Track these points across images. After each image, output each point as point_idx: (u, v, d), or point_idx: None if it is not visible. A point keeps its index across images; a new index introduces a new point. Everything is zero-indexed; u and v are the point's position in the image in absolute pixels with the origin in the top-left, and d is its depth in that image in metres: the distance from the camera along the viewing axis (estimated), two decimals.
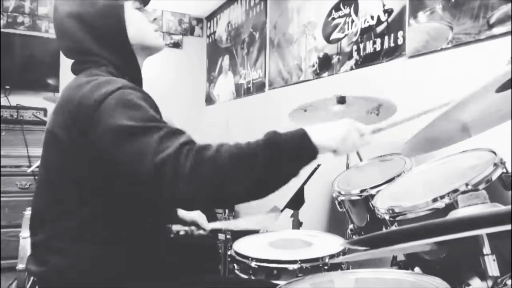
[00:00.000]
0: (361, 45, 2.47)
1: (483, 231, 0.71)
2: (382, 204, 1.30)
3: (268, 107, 3.50)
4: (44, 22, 4.07)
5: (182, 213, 1.46)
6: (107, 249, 1.00)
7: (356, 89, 2.39)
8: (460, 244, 0.83)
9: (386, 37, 2.29)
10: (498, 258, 0.80)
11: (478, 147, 1.31)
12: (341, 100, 1.92)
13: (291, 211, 2.25)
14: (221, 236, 1.88)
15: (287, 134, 0.89)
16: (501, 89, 0.92)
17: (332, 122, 0.96)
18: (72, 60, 1.14)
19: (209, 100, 4.78)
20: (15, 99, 3.77)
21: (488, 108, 1.02)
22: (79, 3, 1.07)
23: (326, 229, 2.76)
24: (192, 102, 4.83)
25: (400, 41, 2.20)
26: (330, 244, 1.55)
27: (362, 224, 1.69)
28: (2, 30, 3.81)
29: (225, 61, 4.39)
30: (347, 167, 2.10)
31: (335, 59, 2.70)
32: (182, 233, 1.42)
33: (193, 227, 1.43)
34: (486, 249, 0.79)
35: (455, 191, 1.06)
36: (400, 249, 1.03)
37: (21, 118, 3.54)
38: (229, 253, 1.62)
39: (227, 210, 2.19)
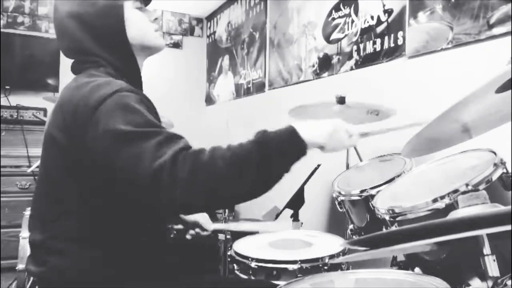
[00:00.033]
0: (361, 45, 2.47)
1: (483, 232, 0.71)
2: (382, 204, 1.30)
3: (268, 107, 3.50)
4: (44, 22, 4.07)
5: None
6: (106, 249, 1.00)
7: (356, 89, 2.40)
8: (460, 245, 0.83)
9: (386, 37, 2.29)
10: (498, 258, 0.80)
11: (478, 147, 1.31)
12: (341, 101, 1.92)
13: (291, 211, 2.24)
14: (221, 236, 1.88)
15: (276, 132, 0.91)
16: (501, 89, 0.92)
17: (321, 120, 0.98)
18: (72, 60, 1.14)
19: (209, 100, 4.78)
20: (15, 99, 3.77)
21: (488, 109, 1.02)
22: (79, 3, 1.07)
23: (326, 229, 2.76)
24: (192, 102, 4.83)
25: (400, 41, 2.20)
26: (330, 244, 1.55)
27: (362, 224, 1.69)
28: (2, 30, 3.81)
29: (225, 61, 4.39)
30: (347, 167, 2.10)
31: (335, 59, 2.70)
32: (188, 237, 1.41)
33: (197, 229, 1.42)
34: (486, 250, 0.79)
35: (455, 191, 1.06)
36: (400, 250, 1.03)
37: (21, 118, 3.54)
38: (229, 253, 1.62)
39: (227, 211, 2.19)
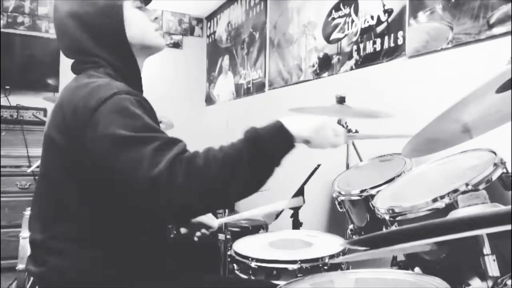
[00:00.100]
0: (361, 45, 2.47)
1: (483, 231, 0.71)
2: (382, 204, 1.30)
3: (268, 107, 3.50)
4: (44, 22, 4.07)
5: None
6: (106, 249, 1.00)
7: (356, 89, 2.40)
8: (460, 244, 0.83)
9: (386, 37, 2.29)
10: (498, 258, 0.80)
11: (478, 147, 1.31)
12: (341, 101, 1.92)
13: (291, 211, 2.25)
14: (221, 236, 1.88)
15: (265, 128, 0.93)
16: (501, 89, 0.92)
17: (308, 116, 1.01)
18: (72, 60, 1.14)
19: (209, 100, 4.78)
20: (15, 99, 3.77)
21: (488, 109, 1.02)
22: (79, 3, 1.07)
23: (326, 229, 2.76)
24: (192, 102, 4.83)
25: (400, 41, 2.20)
26: (330, 244, 1.55)
27: (362, 224, 1.69)
28: (2, 30, 3.81)
29: (225, 61, 4.39)
30: (347, 167, 2.10)
31: (335, 59, 2.70)
32: (196, 238, 1.41)
33: (203, 230, 1.42)
34: (486, 249, 0.79)
35: (455, 191, 1.06)
36: (400, 249, 1.03)
37: (21, 118, 3.54)
38: (229, 253, 1.62)
39: (227, 211, 2.19)
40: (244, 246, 1.57)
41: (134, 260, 1.04)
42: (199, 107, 4.87)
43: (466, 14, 1.84)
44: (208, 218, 1.43)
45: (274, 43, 3.44)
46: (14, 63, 3.78)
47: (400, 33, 2.20)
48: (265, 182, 0.91)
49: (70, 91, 1.01)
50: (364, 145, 2.07)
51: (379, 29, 2.34)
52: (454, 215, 0.93)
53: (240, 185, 0.88)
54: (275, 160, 0.91)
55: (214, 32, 4.67)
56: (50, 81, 3.90)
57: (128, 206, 0.99)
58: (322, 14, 2.82)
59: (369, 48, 2.41)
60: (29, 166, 3.22)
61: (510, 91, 0.92)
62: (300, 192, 2.27)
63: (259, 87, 3.66)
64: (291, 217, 2.25)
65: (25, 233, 2.01)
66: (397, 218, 1.19)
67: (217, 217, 1.50)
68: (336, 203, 1.77)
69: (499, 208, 0.84)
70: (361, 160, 2.03)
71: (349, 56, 2.57)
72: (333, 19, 2.72)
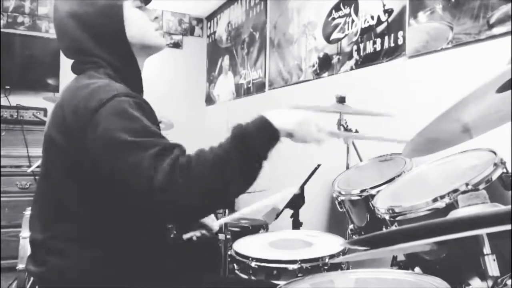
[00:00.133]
0: (361, 45, 2.47)
1: (483, 231, 0.71)
2: (382, 204, 1.30)
3: (268, 107, 3.49)
4: (44, 22, 4.07)
5: None
6: (106, 249, 1.00)
7: (356, 89, 2.40)
8: (460, 244, 0.83)
9: (386, 37, 2.29)
10: (498, 258, 0.80)
11: (478, 147, 1.31)
12: (341, 100, 1.92)
13: (291, 211, 2.25)
14: (221, 236, 1.88)
15: (249, 124, 0.95)
16: (502, 89, 0.92)
17: (292, 110, 1.02)
18: (73, 60, 1.14)
19: (209, 100, 4.78)
20: (15, 99, 3.77)
21: (488, 109, 1.02)
22: (79, 3, 1.07)
23: (326, 229, 2.76)
24: (192, 102, 4.83)
25: (400, 41, 2.20)
26: (330, 244, 1.55)
27: (362, 224, 1.69)
28: (2, 30, 3.81)
29: (225, 61, 4.39)
30: (347, 167, 2.10)
31: (335, 59, 2.70)
32: (194, 238, 1.42)
33: (203, 231, 1.42)
34: (486, 249, 0.79)
35: (455, 191, 1.06)
36: (400, 249, 1.03)
37: (21, 118, 3.54)
38: (229, 253, 1.62)
39: (227, 211, 2.19)
40: (244, 246, 1.57)
41: (134, 260, 1.04)
42: (199, 107, 4.87)
43: (466, 14, 1.84)
44: (209, 219, 1.43)
45: (274, 43, 3.44)
46: (14, 63, 3.78)
47: (400, 33, 2.20)
48: (257, 177, 0.93)
49: (71, 91, 1.01)
50: (364, 145, 2.07)
51: (379, 29, 2.34)
52: (454, 215, 0.93)
53: (234, 183, 0.91)
54: (262, 155, 0.94)
55: (214, 32, 4.67)
56: (50, 81, 3.90)
57: (128, 206, 0.99)
58: (322, 14, 2.82)
59: (369, 48, 2.41)
60: (29, 166, 3.23)
61: (510, 91, 0.92)
62: (300, 192, 2.27)
63: (259, 87, 3.66)
64: (291, 217, 2.25)
65: (25, 233, 2.01)
66: (397, 218, 1.19)
67: (217, 218, 1.50)
68: (336, 203, 1.77)
69: (499, 208, 0.84)
70: (361, 160, 2.03)
71: (349, 56, 2.57)
72: (333, 19, 2.72)
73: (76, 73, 1.10)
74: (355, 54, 2.52)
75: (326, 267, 1.38)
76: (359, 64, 2.49)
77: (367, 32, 2.43)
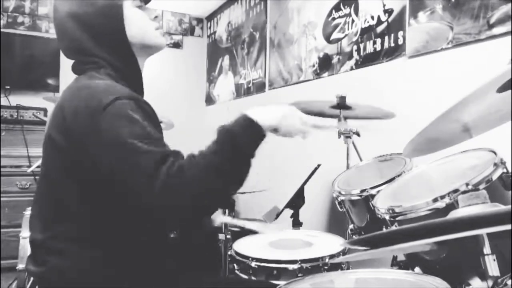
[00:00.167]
0: (361, 45, 2.47)
1: (483, 231, 0.71)
2: (382, 204, 1.29)
3: None
4: (44, 22, 4.07)
5: None
6: (106, 249, 1.00)
7: (356, 89, 2.40)
8: (460, 244, 0.83)
9: (386, 37, 2.29)
10: (499, 258, 0.80)
11: (478, 147, 1.30)
12: (342, 101, 1.92)
13: (291, 211, 2.24)
14: (221, 236, 1.88)
15: (234, 125, 0.96)
16: (502, 89, 0.92)
17: (273, 105, 1.04)
18: (73, 61, 1.14)
19: (209, 100, 4.78)
20: (15, 99, 3.77)
21: (488, 109, 1.02)
22: (78, 3, 1.07)
23: (326, 229, 2.76)
24: (192, 102, 4.83)
25: (400, 41, 2.20)
26: (330, 244, 1.55)
27: (362, 224, 1.69)
28: (2, 30, 3.81)
29: (225, 61, 4.39)
30: (347, 167, 2.10)
31: (335, 59, 2.70)
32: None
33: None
34: (487, 249, 0.79)
35: (456, 191, 1.06)
36: (400, 249, 1.03)
37: (21, 118, 3.54)
38: (229, 253, 1.62)
39: (227, 210, 2.19)
40: (244, 246, 1.57)
41: (134, 260, 1.03)
42: (199, 107, 4.87)
43: (466, 14, 1.84)
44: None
45: (274, 43, 3.44)
46: (14, 63, 3.78)
47: (400, 33, 2.20)
48: (247, 175, 0.96)
49: (71, 92, 1.01)
50: (364, 145, 2.07)
51: (379, 29, 2.34)
52: (454, 215, 0.93)
53: (225, 183, 0.93)
54: (250, 153, 0.96)
55: (214, 32, 4.67)
56: (50, 81, 3.90)
57: (128, 206, 0.99)
58: (322, 14, 2.82)
59: (369, 48, 2.41)
60: (29, 166, 3.22)
61: (510, 90, 0.92)
62: (300, 192, 2.27)
63: (259, 87, 3.66)
64: (291, 217, 2.24)
65: (25, 233, 2.01)
66: (397, 218, 1.19)
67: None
68: (336, 203, 1.77)
69: (499, 208, 0.84)
70: (361, 160, 2.03)
71: (349, 56, 2.57)
72: (333, 19, 2.72)
73: (77, 74, 1.10)
74: (355, 54, 2.52)
75: (326, 267, 1.38)
76: (359, 64, 2.49)
77: (367, 32, 2.43)
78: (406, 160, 1.67)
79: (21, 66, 3.81)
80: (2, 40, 3.68)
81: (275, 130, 1.01)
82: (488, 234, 0.79)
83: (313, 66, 2.91)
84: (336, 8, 2.70)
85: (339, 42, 2.66)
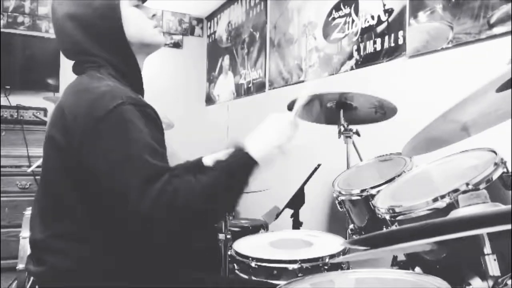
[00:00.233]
0: (362, 45, 2.47)
1: (483, 231, 0.71)
2: (382, 204, 1.29)
3: (268, 107, 3.50)
4: (44, 22, 4.07)
5: None
6: (106, 249, 1.00)
7: (356, 89, 2.39)
8: (460, 244, 0.83)
9: (387, 37, 2.29)
10: (499, 257, 0.80)
11: (479, 146, 1.30)
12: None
13: (291, 211, 2.25)
14: (221, 236, 1.88)
15: (232, 160, 0.98)
16: (502, 89, 0.92)
17: (264, 125, 1.04)
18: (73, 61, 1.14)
19: (209, 100, 4.78)
20: (15, 99, 3.77)
21: (488, 107, 1.02)
22: (76, 4, 1.07)
23: (326, 229, 2.76)
24: (192, 102, 4.83)
25: (400, 41, 2.19)
26: (331, 244, 1.55)
27: (362, 224, 1.69)
28: (2, 30, 3.81)
29: (225, 61, 4.39)
30: (347, 167, 2.10)
31: (335, 59, 2.70)
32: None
33: None
34: (487, 249, 0.79)
35: (456, 190, 1.06)
36: (400, 249, 1.02)
37: (21, 118, 3.54)
38: (229, 253, 1.62)
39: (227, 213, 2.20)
40: (244, 246, 1.57)
41: (134, 259, 1.03)
42: (199, 107, 4.87)
43: (466, 13, 1.84)
44: None
45: (274, 43, 3.44)
46: (14, 63, 3.78)
47: (400, 33, 2.19)
48: (239, 202, 1.00)
49: (72, 93, 1.01)
50: (364, 145, 2.07)
51: (379, 29, 2.34)
52: (454, 214, 0.93)
53: (218, 211, 0.99)
54: (246, 186, 0.98)
55: (214, 32, 4.67)
56: (50, 81, 3.90)
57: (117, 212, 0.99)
58: (323, 14, 2.82)
59: (370, 48, 2.41)
60: (29, 166, 3.23)
61: (509, 90, 0.92)
62: (300, 192, 2.27)
63: (259, 87, 3.66)
64: (291, 217, 2.25)
65: (25, 233, 2.01)
66: (398, 218, 1.19)
67: None
68: (337, 203, 1.77)
69: (500, 207, 0.84)
70: (361, 160, 2.02)
71: (350, 56, 2.56)
72: (334, 19, 2.72)
73: (77, 74, 1.11)
74: (355, 54, 2.52)
75: (326, 267, 1.38)
76: (359, 64, 2.49)
77: (367, 32, 2.43)
78: (406, 160, 1.67)
79: (21, 66, 3.81)
80: (2, 40, 3.68)
81: (278, 152, 1.03)
82: (489, 234, 0.79)
83: (313, 66, 2.91)
84: (336, 8, 2.69)
85: (339, 42, 2.66)
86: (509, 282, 0.90)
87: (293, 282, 1.04)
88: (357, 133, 1.99)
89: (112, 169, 0.90)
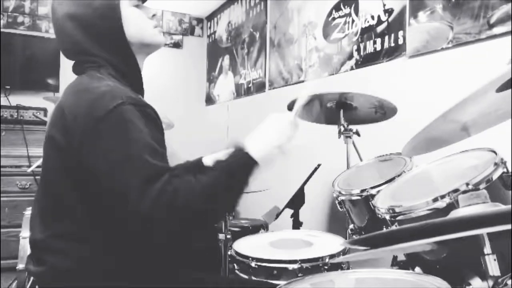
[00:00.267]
0: (362, 45, 2.47)
1: (483, 231, 0.71)
2: (382, 204, 1.29)
3: (268, 107, 3.50)
4: (44, 22, 4.07)
5: None
6: (106, 249, 1.00)
7: (356, 89, 2.39)
8: (460, 244, 0.83)
9: (387, 37, 2.29)
10: (499, 257, 0.80)
11: (479, 146, 1.30)
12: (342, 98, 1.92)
13: (291, 211, 2.25)
14: (221, 236, 1.88)
15: (232, 160, 0.98)
16: (502, 89, 0.92)
17: (264, 125, 1.04)
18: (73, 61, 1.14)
19: (209, 100, 4.78)
20: (15, 99, 3.77)
21: (488, 107, 1.02)
22: (76, 4, 1.07)
23: (326, 229, 2.76)
24: (192, 102, 4.83)
25: (400, 41, 2.19)
26: (331, 244, 1.55)
27: (362, 224, 1.69)
28: (2, 30, 3.81)
29: (225, 61, 4.39)
30: (347, 167, 2.10)
31: (335, 59, 2.70)
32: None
33: None
34: (487, 249, 0.79)
35: (456, 190, 1.06)
36: (400, 249, 1.02)
37: (21, 118, 3.55)
38: (229, 253, 1.62)
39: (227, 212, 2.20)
40: (244, 245, 1.57)
41: (134, 259, 1.03)
42: (199, 107, 4.87)
43: (466, 13, 1.84)
44: None
45: (274, 43, 3.44)
46: (14, 63, 3.78)
47: (400, 33, 2.19)
48: (239, 202, 1.00)
49: (72, 93, 1.01)
50: (364, 145, 2.07)
51: (379, 29, 2.34)
52: (454, 214, 0.93)
53: (218, 211, 0.99)
54: (246, 186, 0.98)
55: (215, 32, 4.67)
56: (50, 81, 3.90)
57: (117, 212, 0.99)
58: (323, 14, 2.82)
59: (370, 48, 2.41)
60: (29, 166, 3.23)
61: (509, 90, 0.92)
62: (300, 192, 2.27)
63: (259, 87, 3.66)
64: (291, 217, 2.24)
65: (25, 233, 2.01)
66: (398, 218, 1.19)
67: None
68: (337, 203, 1.77)
69: (500, 207, 0.84)
70: (361, 160, 2.02)
71: (350, 56, 2.56)
72: (334, 19, 2.72)
73: (77, 74, 1.11)
74: (355, 54, 2.52)
75: (326, 267, 1.38)
76: (359, 64, 2.49)
77: (367, 32, 2.43)
78: (406, 160, 1.67)
79: (21, 66, 3.81)
80: (2, 40, 3.68)
81: (278, 152, 1.03)
82: (489, 234, 0.79)
83: (313, 66, 2.91)
84: (336, 8, 2.69)
85: (339, 42, 2.66)
86: (509, 282, 0.90)
87: (293, 282, 1.04)
88: (357, 133, 1.99)
89: (112, 169, 0.90)
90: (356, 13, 2.52)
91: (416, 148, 1.21)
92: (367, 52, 2.43)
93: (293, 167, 2.61)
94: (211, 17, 4.78)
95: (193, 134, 4.48)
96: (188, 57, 4.83)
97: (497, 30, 1.71)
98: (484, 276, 0.81)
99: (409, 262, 1.33)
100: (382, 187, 1.52)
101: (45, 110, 3.65)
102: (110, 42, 1.08)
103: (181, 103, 4.65)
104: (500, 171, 1.10)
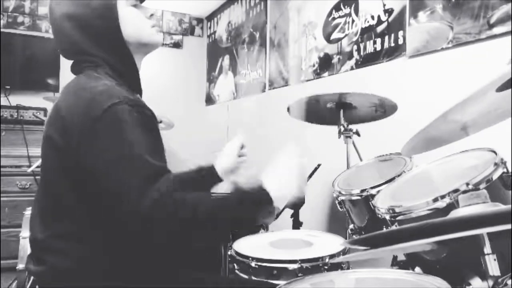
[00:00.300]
0: (362, 45, 2.47)
1: (483, 231, 0.71)
2: (382, 204, 1.29)
3: (268, 107, 3.50)
4: (44, 22, 4.07)
5: None
6: (106, 249, 1.00)
7: (356, 89, 2.39)
8: (460, 244, 0.83)
9: (387, 37, 2.29)
10: (499, 257, 0.80)
11: (478, 146, 1.30)
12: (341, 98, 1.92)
13: (291, 211, 2.24)
14: None
15: (253, 196, 0.97)
16: (501, 89, 0.92)
17: (278, 170, 1.06)
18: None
19: (209, 100, 4.78)
20: (15, 99, 3.77)
21: (487, 107, 1.02)
22: (74, 4, 1.07)
23: (326, 229, 2.76)
24: (192, 102, 4.83)
25: (400, 41, 2.19)
26: (331, 244, 1.55)
27: (362, 224, 1.69)
28: (2, 30, 3.81)
29: (225, 61, 4.39)
30: (347, 167, 2.10)
31: (335, 59, 2.70)
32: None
33: None
34: (487, 249, 0.79)
35: (456, 190, 1.06)
36: (400, 249, 1.03)
37: (21, 118, 3.55)
38: (229, 253, 1.62)
39: None
40: (244, 246, 1.57)
41: (134, 259, 1.03)
42: (199, 107, 4.87)
43: (466, 13, 1.84)
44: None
45: (274, 43, 3.44)
46: (14, 63, 3.78)
47: (400, 33, 2.19)
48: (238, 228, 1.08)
49: (70, 93, 1.01)
50: (364, 145, 2.07)
51: (379, 29, 2.34)
52: (454, 214, 0.93)
53: (222, 233, 1.03)
54: (256, 221, 0.99)
55: (215, 32, 4.67)
56: (50, 81, 3.90)
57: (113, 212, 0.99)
58: (323, 14, 2.82)
59: (370, 48, 2.41)
60: (29, 166, 3.23)
61: (509, 89, 0.92)
62: None
63: (259, 87, 3.66)
64: (291, 217, 2.24)
65: (25, 233, 2.01)
66: (398, 218, 1.19)
67: None
68: (337, 203, 1.77)
69: (500, 207, 0.84)
70: (361, 160, 2.02)
71: (350, 56, 2.56)
72: (334, 19, 2.72)
73: (75, 73, 1.11)
74: (355, 54, 2.52)
75: (326, 267, 1.38)
76: (359, 64, 2.49)
77: (367, 32, 2.43)
78: (406, 160, 1.67)
79: (21, 66, 3.81)
80: (2, 40, 3.68)
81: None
82: (489, 234, 0.79)
83: (313, 66, 2.91)
84: (336, 8, 2.69)
85: (339, 42, 2.66)
86: (509, 282, 0.90)
87: (293, 282, 1.04)
88: (357, 133, 1.99)
89: (111, 169, 0.90)
90: (356, 13, 2.52)
91: (415, 147, 1.21)
92: (367, 52, 2.43)
93: None
94: (211, 17, 4.78)
95: (193, 134, 4.48)
96: (188, 57, 4.83)
97: (497, 30, 1.71)
98: (484, 276, 0.81)
99: (409, 262, 1.33)
100: (382, 187, 1.51)
101: (45, 110, 3.65)
102: (108, 42, 1.08)
103: (181, 103, 4.65)
104: (500, 171, 1.10)
